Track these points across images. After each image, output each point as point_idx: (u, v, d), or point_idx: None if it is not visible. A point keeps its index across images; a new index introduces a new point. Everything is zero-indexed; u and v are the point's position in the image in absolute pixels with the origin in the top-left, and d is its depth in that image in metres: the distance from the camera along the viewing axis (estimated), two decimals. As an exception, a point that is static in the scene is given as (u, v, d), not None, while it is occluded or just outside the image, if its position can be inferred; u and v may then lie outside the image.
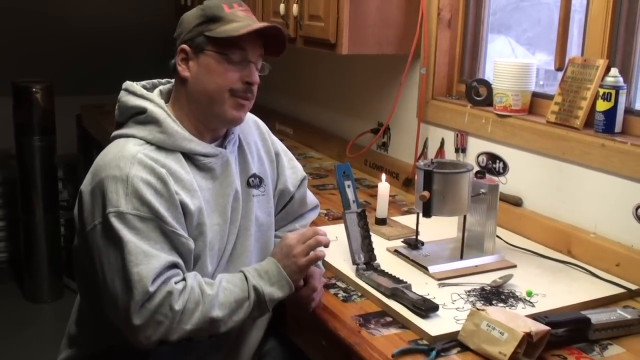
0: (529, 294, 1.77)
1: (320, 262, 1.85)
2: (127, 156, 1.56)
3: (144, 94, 1.69)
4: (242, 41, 1.62)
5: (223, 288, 1.56)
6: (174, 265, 1.54)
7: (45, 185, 4.35)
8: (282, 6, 2.87)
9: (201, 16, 1.65)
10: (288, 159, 1.96)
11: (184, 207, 1.59)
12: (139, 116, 1.66)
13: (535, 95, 2.31)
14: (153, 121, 1.64)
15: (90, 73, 4.85)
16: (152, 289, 1.47)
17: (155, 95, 1.70)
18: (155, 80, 1.79)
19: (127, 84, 1.73)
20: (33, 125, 4.24)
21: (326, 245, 1.66)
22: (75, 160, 4.71)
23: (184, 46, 1.66)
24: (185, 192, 1.60)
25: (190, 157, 1.65)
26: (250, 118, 1.91)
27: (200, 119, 1.68)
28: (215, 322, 1.53)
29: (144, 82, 1.77)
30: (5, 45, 4.66)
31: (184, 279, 1.54)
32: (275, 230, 1.91)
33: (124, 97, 1.71)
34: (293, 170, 1.95)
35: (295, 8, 2.78)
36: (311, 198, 2.02)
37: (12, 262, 4.80)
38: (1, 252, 4.83)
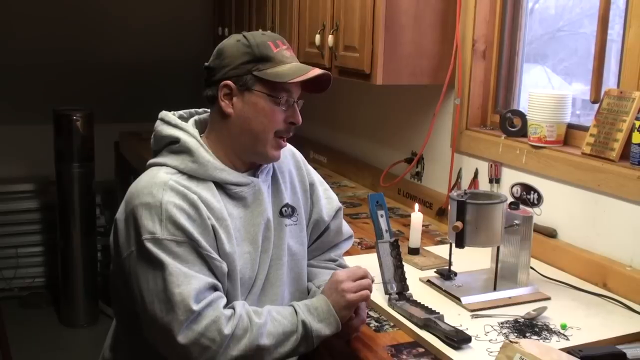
0: (564, 326, 1.75)
1: None
2: (158, 183, 1.59)
3: (178, 124, 1.71)
4: (290, 84, 1.64)
5: (272, 318, 1.57)
6: (214, 287, 1.55)
7: (83, 211, 4.42)
8: (317, 37, 2.91)
9: (248, 54, 1.64)
10: (324, 189, 1.96)
11: (215, 233, 1.61)
12: (173, 145, 1.68)
13: (570, 126, 2.30)
14: (186, 151, 1.66)
15: (128, 101, 4.95)
16: (195, 307, 1.48)
17: (189, 125, 1.72)
18: (192, 110, 1.81)
19: (163, 113, 1.75)
20: (73, 152, 4.34)
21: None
22: (113, 187, 4.79)
23: (229, 82, 1.65)
24: (215, 219, 1.61)
25: (221, 186, 1.67)
26: (288, 148, 1.93)
27: (238, 154, 1.70)
28: (262, 350, 1.54)
29: (181, 112, 1.79)
30: (49, 76, 4.78)
31: (232, 307, 1.55)
32: (310, 259, 1.91)
33: (159, 126, 1.73)
34: (328, 200, 1.95)
35: (330, 39, 2.82)
36: (346, 228, 2.02)
37: (49, 287, 4.88)
38: (39, 277, 4.92)
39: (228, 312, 1.53)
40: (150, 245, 1.52)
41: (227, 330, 1.50)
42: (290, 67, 1.65)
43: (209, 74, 1.69)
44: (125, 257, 1.59)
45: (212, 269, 1.57)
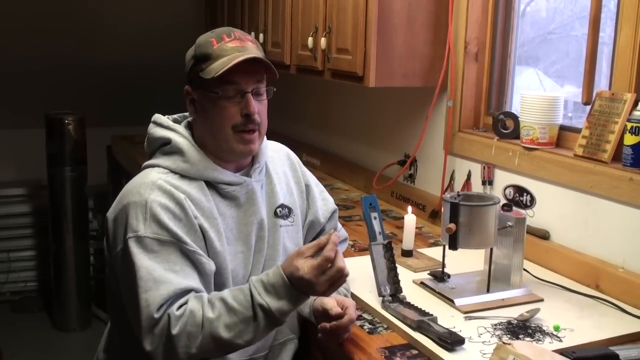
0: (556, 328, 1.75)
1: (349, 294, 1.86)
2: (147, 183, 1.60)
3: (170, 126, 1.73)
4: (231, 75, 1.61)
5: (228, 308, 1.52)
6: (186, 292, 1.54)
7: (76, 215, 4.41)
8: (310, 39, 2.91)
9: (193, 57, 1.67)
10: (319, 190, 1.97)
11: (204, 233, 1.61)
12: (165, 147, 1.70)
13: (562, 128, 2.31)
14: (177, 151, 1.67)
15: (120, 105, 4.94)
16: (157, 315, 1.49)
17: (181, 127, 1.74)
18: (186, 113, 1.82)
19: (156, 116, 1.77)
20: (65, 156, 4.32)
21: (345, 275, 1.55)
22: (105, 191, 4.77)
23: (187, 87, 1.70)
24: (204, 218, 1.62)
25: (213, 186, 1.68)
26: (283, 150, 1.94)
27: (216, 154, 1.70)
28: (224, 342, 1.51)
29: (175, 116, 1.81)
30: (41, 80, 4.77)
31: (186, 302, 1.52)
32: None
33: (152, 129, 1.75)
34: (324, 202, 1.95)
35: (323, 41, 2.82)
36: (341, 231, 2.03)
37: (41, 291, 4.86)
38: (31, 281, 4.89)
39: (179, 311, 1.50)
40: (132, 244, 1.53)
41: (174, 330, 1.49)
42: (224, 59, 1.61)
43: None
44: (113, 256, 1.61)
45: (197, 267, 1.57)
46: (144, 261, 1.52)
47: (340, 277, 1.53)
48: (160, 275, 1.51)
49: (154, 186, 1.59)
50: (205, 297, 1.55)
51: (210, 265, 1.60)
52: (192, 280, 1.56)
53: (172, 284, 1.51)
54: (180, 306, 1.52)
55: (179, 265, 1.54)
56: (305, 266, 1.51)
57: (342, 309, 1.67)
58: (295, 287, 1.52)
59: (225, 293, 1.56)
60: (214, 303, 1.54)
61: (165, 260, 1.53)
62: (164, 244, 1.54)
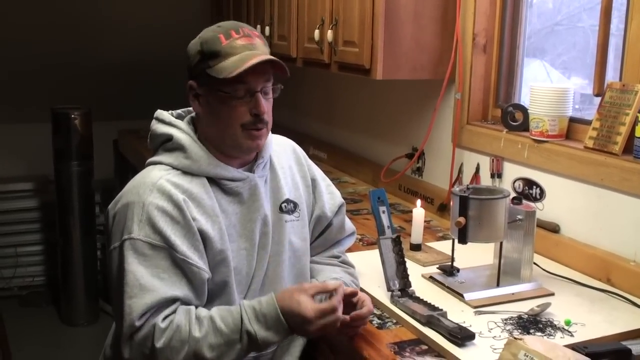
0: (568, 323, 1.74)
1: (358, 289, 1.85)
2: (148, 183, 1.59)
3: (172, 122, 1.71)
4: (243, 75, 1.58)
5: (214, 329, 1.51)
6: (172, 301, 1.52)
7: (83, 210, 4.41)
8: (316, 32, 2.89)
9: (200, 52, 1.63)
10: (326, 184, 1.95)
11: (203, 233, 1.59)
12: (167, 143, 1.68)
13: (572, 120, 2.28)
14: (179, 147, 1.66)
15: (126, 99, 4.94)
16: (138, 323, 1.47)
17: (183, 122, 1.72)
18: (190, 108, 1.80)
19: (158, 112, 1.75)
20: (71, 151, 4.33)
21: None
22: (112, 185, 4.77)
23: (192, 82, 1.66)
24: (206, 217, 1.60)
25: (216, 182, 1.66)
26: (288, 143, 1.92)
27: (221, 149, 1.68)
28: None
29: (179, 110, 1.79)
30: (47, 74, 4.77)
31: (173, 314, 1.51)
32: (313, 256, 1.90)
33: (154, 125, 1.73)
34: (331, 196, 1.94)
35: (329, 34, 2.80)
36: (349, 224, 2.01)
37: (49, 285, 4.87)
38: (39, 276, 4.91)
39: (164, 323, 1.49)
40: (126, 246, 1.53)
41: (158, 343, 1.47)
42: (236, 59, 1.58)
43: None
44: (109, 252, 1.60)
45: (187, 276, 1.55)
46: (132, 265, 1.51)
47: (334, 327, 1.55)
48: (146, 282, 1.50)
49: (153, 187, 1.57)
50: (194, 312, 1.53)
51: (201, 275, 1.57)
52: (178, 289, 1.53)
53: (157, 293, 1.50)
54: (166, 317, 1.50)
55: (167, 272, 1.53)
56: (309, 304, 1.52)
57: (359, 302, 1.67)
58: (288, 321, 1.52)
59: (214, 312, 1.55)
60: (202, 321, 1.52)
61: (154, 265, 1.52)
62: (155, 248, 1.52)
